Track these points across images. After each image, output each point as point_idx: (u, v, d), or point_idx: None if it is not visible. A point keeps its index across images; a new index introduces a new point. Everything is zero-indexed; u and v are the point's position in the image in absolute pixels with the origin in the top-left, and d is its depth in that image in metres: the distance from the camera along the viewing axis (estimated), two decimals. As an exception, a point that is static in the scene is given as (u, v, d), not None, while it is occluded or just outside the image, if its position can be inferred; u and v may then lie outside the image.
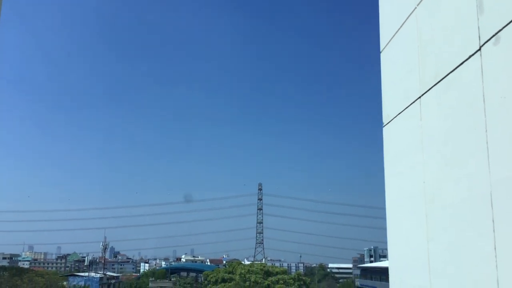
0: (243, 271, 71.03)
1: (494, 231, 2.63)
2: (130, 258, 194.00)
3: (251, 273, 69.25)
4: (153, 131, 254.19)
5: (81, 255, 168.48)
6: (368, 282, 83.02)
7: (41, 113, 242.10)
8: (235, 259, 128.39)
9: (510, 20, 2.60)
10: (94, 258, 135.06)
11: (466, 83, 3.03)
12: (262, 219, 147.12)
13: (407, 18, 4.08)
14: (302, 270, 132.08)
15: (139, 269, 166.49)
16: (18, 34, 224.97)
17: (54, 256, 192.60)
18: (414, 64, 3.85)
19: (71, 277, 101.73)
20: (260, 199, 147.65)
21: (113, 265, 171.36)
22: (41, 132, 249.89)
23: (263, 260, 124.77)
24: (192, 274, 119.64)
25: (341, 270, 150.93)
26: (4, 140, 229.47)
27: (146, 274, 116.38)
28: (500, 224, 2.59)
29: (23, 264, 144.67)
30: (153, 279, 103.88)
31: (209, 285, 75.03)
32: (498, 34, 2.70)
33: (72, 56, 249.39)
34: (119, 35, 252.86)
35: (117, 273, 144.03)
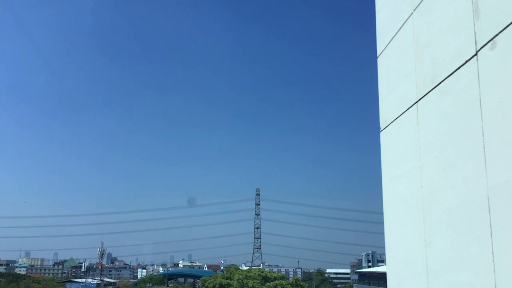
0: (241, 276, 70.84)
1: (491, 235, 2.64)
2: (128, 264, 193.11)
3: (249, 279, 69.05)
4: (150, 137, 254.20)
5: (78, 261, 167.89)
6: (366, 287, 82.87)
7: (37, 119, 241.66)
8: (232, 264, 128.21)
9: (506, 25, 2.62)
10: (91, 264, 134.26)
11: (462, 88, 3.04)
12: (260, 225, 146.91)
13: (404, 23, 4.10)
14: (300, 276, 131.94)
15: (137, 275, 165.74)
16: (15, 39, 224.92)
17: (51, 262, 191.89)
18: (411, 69, 3.87)
19: (68, 283, 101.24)
20: (257, 205, 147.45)
21: (110, 271, 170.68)
22: (37, 137, 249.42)
23: (261, 265, 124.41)
24: (190, 280, 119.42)
25: (339, 275, 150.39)
26: (0, 145, 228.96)
27: (144, 280, 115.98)
28: (498, 228, 2.60)
29: (20, 270, 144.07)
30: (150, 285, 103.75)
31: (207, 291, 74.82)
32: (495, 39, 2.72)
33: (68, 62, 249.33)
34: (115, 42, 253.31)
35: (114, 279, 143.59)
